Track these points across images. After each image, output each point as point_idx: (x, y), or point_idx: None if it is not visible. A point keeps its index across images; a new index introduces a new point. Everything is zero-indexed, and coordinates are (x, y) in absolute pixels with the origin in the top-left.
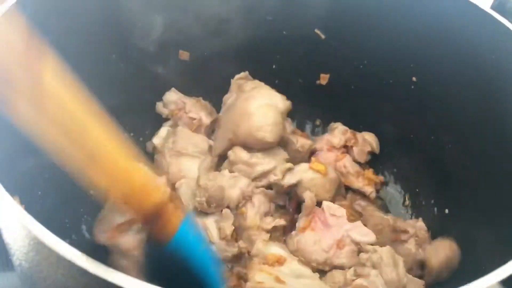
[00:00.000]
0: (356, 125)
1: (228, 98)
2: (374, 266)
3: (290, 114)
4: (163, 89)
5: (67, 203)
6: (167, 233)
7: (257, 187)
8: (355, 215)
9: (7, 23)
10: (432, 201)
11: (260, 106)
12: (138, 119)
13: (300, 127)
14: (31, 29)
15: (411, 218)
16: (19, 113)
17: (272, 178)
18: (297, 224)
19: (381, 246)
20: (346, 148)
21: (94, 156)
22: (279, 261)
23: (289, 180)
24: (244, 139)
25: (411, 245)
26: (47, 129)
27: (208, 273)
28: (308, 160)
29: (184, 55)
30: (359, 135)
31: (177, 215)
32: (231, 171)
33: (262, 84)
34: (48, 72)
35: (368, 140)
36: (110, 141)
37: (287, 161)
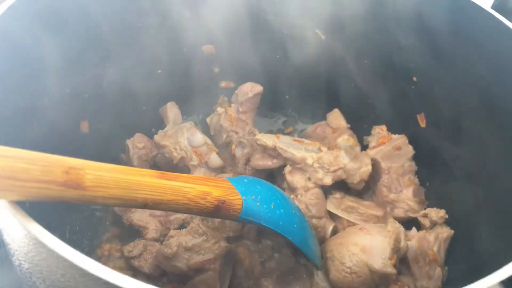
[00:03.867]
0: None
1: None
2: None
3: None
4: None
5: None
6: (233, 214)
7: None
8: None
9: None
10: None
11: None
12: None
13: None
14: (69, 162)
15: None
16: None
17: None
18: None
19: None
20: None
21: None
22: None
23: None
24: None
25: None
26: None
27: (284, 230)
28: None
29: (209, 48)
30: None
31: (235, 201)
32: None
33: None
34: (87, 178)
35: None
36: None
37: None
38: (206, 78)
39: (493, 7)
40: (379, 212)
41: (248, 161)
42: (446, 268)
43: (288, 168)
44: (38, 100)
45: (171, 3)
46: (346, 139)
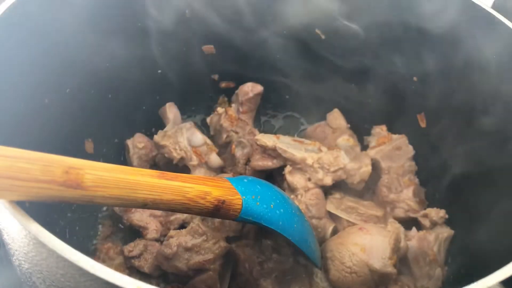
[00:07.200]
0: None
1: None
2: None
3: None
4: None
5: (65, 203)
6: (233, 214)
7: None
8: None
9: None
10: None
11: None
12: None
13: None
14: (69, 161)
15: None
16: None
17: None
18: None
19: None
20: None
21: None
22: None
23: None
24: None
25: None
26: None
27: (283, 229)
28: None
29: (209, 49)
30: None
31: (235, 201)
32: None
33: None
34: (86, 178)
35: None
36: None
37: None
38: (206, 78)
39: (493, 7)
40: (379, 212)
41: (248, 161)
42: (446, 268)
43: (288, 169)
44: (38, 100)
45: (171, 3)
46: (346, 139)
